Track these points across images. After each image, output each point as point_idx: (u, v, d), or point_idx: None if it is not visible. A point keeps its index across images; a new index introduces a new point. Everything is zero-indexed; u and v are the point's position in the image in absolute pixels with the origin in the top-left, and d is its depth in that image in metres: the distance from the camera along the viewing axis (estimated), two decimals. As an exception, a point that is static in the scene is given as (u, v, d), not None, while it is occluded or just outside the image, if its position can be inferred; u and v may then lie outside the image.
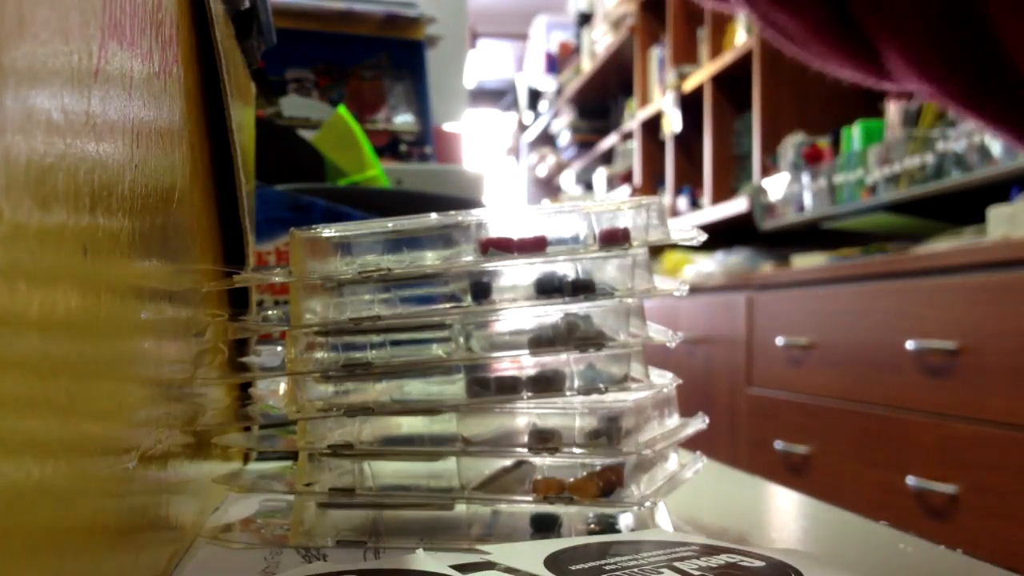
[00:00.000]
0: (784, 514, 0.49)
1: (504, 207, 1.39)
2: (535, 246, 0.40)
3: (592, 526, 0.41)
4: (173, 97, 0.38)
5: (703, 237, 0.44)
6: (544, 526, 0.41)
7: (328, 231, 0.41)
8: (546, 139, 5.69)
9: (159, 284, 0.35)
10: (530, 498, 0.41)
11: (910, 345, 1.58)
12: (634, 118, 3.92)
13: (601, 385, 0.41)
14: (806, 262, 2.21)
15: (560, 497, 0.40)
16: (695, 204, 3.27)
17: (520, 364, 0.42)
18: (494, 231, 0.40)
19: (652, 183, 3.82)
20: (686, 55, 3.37)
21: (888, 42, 0.35)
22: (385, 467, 0.43)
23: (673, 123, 3.35)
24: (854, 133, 2.21)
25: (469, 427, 0.41)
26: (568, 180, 5.17)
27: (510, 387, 0.41)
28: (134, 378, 0.31)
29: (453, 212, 0.41)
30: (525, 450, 0.41)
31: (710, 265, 2.74)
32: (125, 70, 0.29)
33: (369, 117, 1.36)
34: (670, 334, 0.43)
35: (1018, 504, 1.36)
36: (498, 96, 6.60)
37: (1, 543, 0.18)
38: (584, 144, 4.97)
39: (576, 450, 0.40)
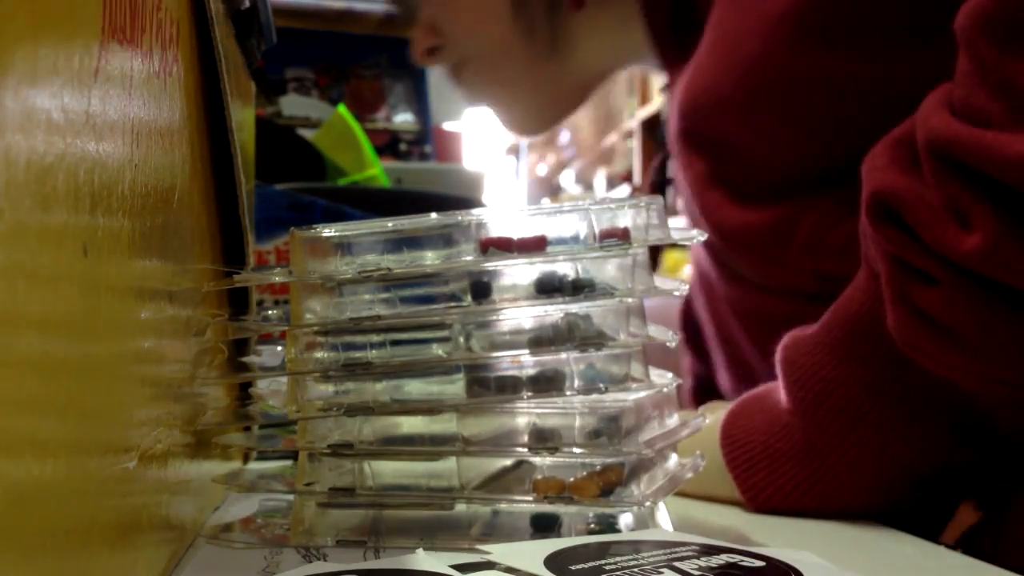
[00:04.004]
0: (784, 514, 0.49)
1: (504, 207, 1.39)
2: (535, 246, 0.40)
3: (592, 526, 0.41)
4: (173, 97, 0.38)
5: (703, 237, 0.44)
6: (544, 526, 0.41)
7: (328, 231, 0.41)
8: (546, 138, 5.68)
9: (159, 284, 0.35)
10: (530, 498, 0.41)
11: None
12: (634, 118, 3.92)
13: (601, 385, 0.41)
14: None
15: (560, 497, 0.40)
16: (695, 204, 3.27)
17: (520, 364, 0.42)
18: (494, 231, 0.40)
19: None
20: (686, 55, 3.36)
21: None
22: (385, 467, 0.43)
23: (673, 123, 3.34)
24: (854, 133, 2.20)
25: (469, 427, 0.41)
26: (568, 180, 5.16)
27: (510, 387, 0.41)
28: (134, 378, 0.31)
29: (453, 212, 0.41)
30: (525, 450, 0.41)
31: (710, 265, 2.74)
32: (125, 70, 0.29)
33: (369, 116, 1.36)
34: (670, 334, 0.43)
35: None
36: (498, 96, 6.59)
37: (1, 543, 0.18)
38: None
39: (576, 450, 0.40)
